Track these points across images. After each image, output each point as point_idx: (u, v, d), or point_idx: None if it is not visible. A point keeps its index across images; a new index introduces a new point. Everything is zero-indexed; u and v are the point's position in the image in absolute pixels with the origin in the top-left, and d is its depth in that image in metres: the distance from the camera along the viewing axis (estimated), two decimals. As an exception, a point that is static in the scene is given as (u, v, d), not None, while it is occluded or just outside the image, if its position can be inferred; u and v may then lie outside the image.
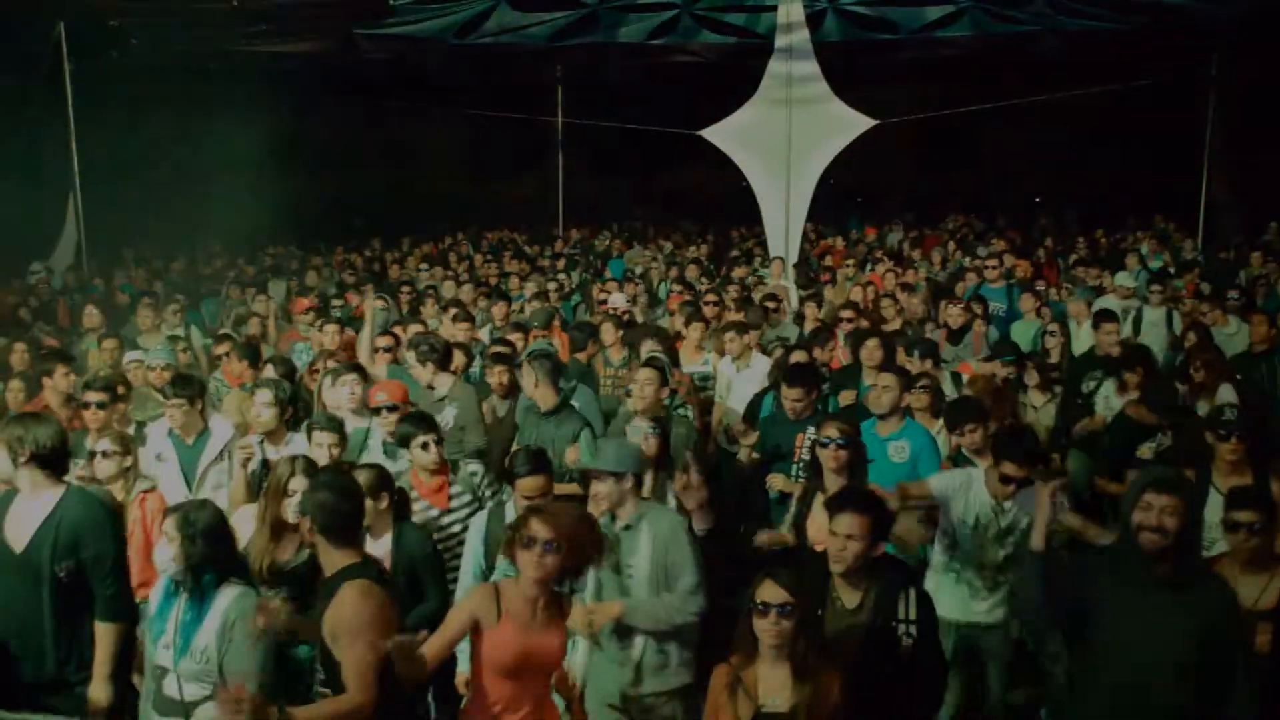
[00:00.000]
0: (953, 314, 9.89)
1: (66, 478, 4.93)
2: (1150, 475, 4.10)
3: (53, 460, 4.78)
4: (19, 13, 13.89)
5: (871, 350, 7.85)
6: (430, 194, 23.40)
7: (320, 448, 5.85)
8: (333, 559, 4.00)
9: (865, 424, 6.56)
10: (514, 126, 20.61)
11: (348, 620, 3.80)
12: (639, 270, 15.56)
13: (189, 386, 6.59)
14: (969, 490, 5.44)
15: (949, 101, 17.38)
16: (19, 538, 4.69)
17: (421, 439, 5.79)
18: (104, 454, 5.78)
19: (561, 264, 17.07)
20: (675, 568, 4.65)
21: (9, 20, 13.63)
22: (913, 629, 4.15)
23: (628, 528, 4.73)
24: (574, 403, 7.09)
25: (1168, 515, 3.88)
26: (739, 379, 8.53)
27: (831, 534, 4.20)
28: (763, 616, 3.74)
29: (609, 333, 9.10)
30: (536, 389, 6.90)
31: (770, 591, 3.76)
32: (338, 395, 6.88)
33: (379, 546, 5.11)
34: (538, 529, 3.88)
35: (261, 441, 6.23)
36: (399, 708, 3.98)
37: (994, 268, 12.11)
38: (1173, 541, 3.89)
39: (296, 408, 6.63)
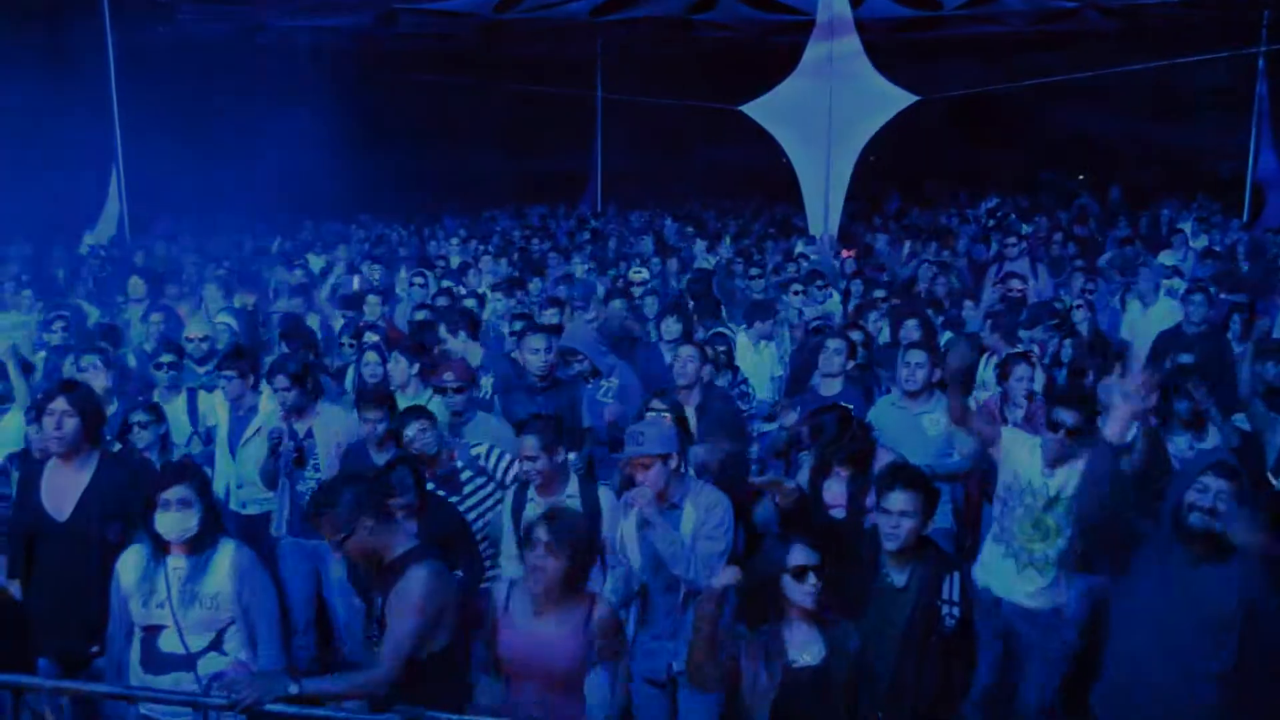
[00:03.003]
0: (1015, 285, 9.89)
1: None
2: (1211, 458, 4.10)
3: (96, 426, 4.87)
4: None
5: (910, 330, 7.80)
6: (468, 169, 23.43)
7: (369, 424, 5.88)
8: (398, 541, 4.07)
9: (893, 399, 6.57)
10: (552, 101, 20.59)
11: (412, 595, 3.86)
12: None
13: (242, 360, 6.67)
14: (1023, 451, 5.28)
15: (992, 77, 17.21)
16: (61, 506, 4.76)
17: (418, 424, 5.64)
18: (140, 425, 5.91)
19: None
20: (710, 528, 4.64)
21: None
22: (956, 610, 4.15)
23: (674, 507, 4.71)
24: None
25: (1221, 500, 3.91)
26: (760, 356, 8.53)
27: (884, 511, 4.20)
28: (800, 580, 3.77)
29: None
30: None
31: (802, 554, 3.79)
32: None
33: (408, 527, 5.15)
34: (540, 531, 3.93)
35: (287, 418, 6.20)
36: (443, 681, 4.02)
37: (1014, 245, 11.98)
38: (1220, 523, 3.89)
39: (317, 379, 6.60)
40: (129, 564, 4.26)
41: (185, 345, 7.45)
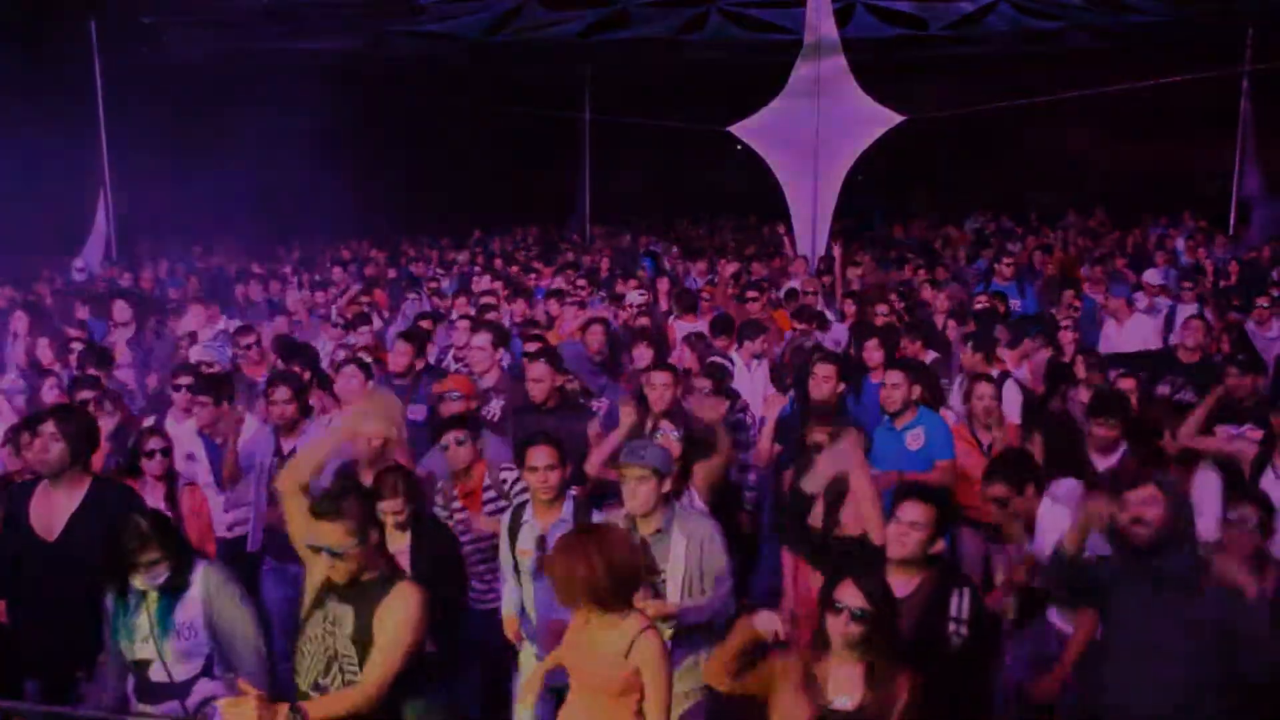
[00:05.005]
0: (981, 303, 9.93)
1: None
2: (1121, 480, 4.17)
3: (85, 451, 4.86)
4: (52, 10, 14.02)
5: (871, 351, 7.77)
6: (457, 190, 23.45)
7: (362, 443, 5.80)
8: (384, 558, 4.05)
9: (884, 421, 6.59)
10: (541, 123, 20.62)
11: (403, 616, 3.82)
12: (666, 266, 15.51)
13: (214, 387, 6.64)
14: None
15: (978, 97, 17.30)
16: (49, 528, 4.74)
17: (454, 435, 5.66)
18: (149, 453, 5.81)
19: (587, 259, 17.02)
20: (712, 571, 4.63)
21: (42, 17, 13.77)
22: (964, 629, 4.11)
23: (658, 532, 4.67)
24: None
25: (1148, 506, 3.96)
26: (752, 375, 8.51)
27: (895, 520, 4.21)
28: (835, 615, 3.68)
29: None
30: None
31: (848, 593, 3.68)
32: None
33: (399, 543, 5.12)
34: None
35: (276, 434, 6.22)
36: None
37: (1008, 264, 12.02)
38: (1161, 533, 3.96)
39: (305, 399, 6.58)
40: (113, 602, 4.26)
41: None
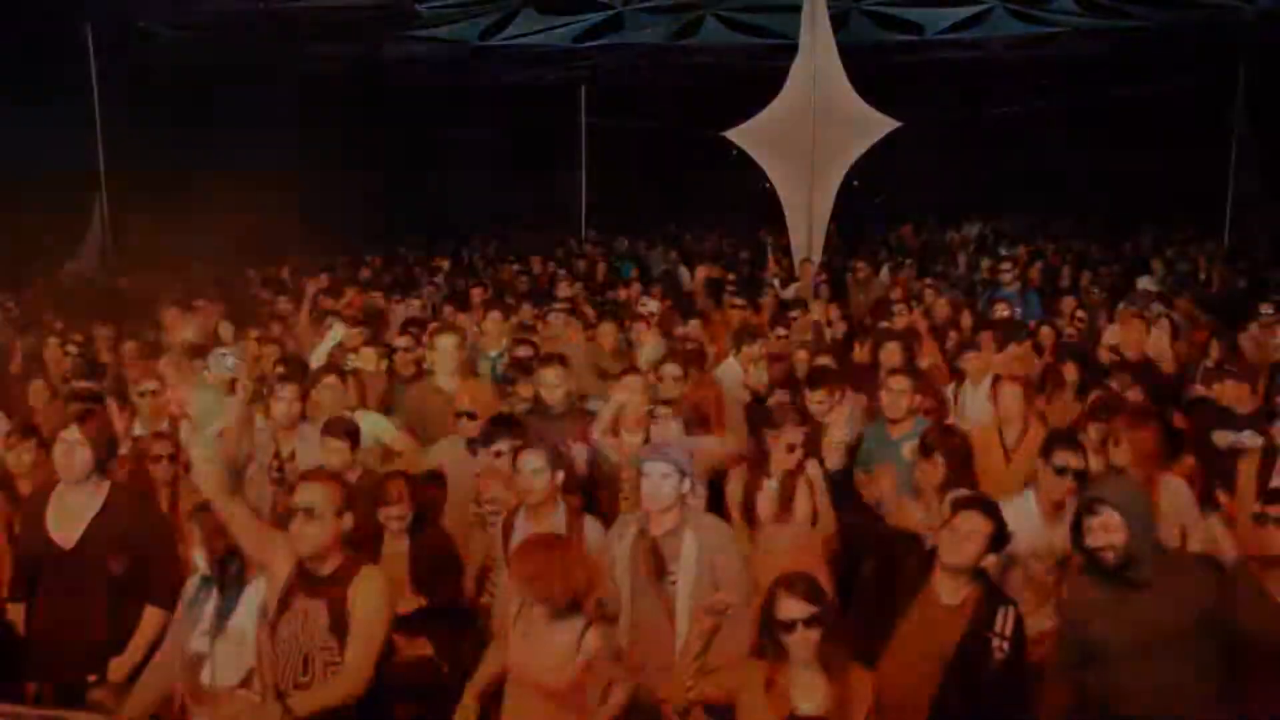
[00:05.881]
0: (998, 310, 9.93)
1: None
2: (1082, 500, 4.15)
3: (107, 457, 4.86)
4: (47, 12, 13.99)
5: (891, 352, 7.78)
6: (453, 197, 23.45)
7: (332, 453, 5.77)
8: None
9: (876, 427, 6.57)
10: (537, 128, 20.63)
11: (376, 604, 3.91)
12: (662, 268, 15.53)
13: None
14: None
15: (973, 103, 17.31)
16: (67, 535, 4.71)
17: (500, 445, 5.56)
18: (155, 459, 5.86)
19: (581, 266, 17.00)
20: (726, 583, 4.59)
21: (37, 20, 13.74)
22: (1006, 645, 4.11)
23: (669, 532, 4.67)
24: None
25: (1112, 531, 3.97)
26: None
27: (952, 529, 4.21)
28: (788, 632, 3.73)
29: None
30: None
31: (791, 607, 3.74)
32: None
33: (395, 546, 5.18)
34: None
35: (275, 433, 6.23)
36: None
37: (1008, 270, 12.02)
38: (1129, 550, 3.96)
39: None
40: (189, 585, 4.30)
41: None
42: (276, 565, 4.01)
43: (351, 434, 5.81)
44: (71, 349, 8.81)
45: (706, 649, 3.95)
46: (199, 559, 4.21)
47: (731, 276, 13.75)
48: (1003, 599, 4.27)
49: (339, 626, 3.88)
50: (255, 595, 4.18)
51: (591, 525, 5.09)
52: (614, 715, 4.03)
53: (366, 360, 7.90)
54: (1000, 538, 4.26)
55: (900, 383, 6.51)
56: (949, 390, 7.79)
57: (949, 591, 4.22)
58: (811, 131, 14.15)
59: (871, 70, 15.50)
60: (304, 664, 3.86)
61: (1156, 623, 3.94)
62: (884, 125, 14.24)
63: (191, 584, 4.30)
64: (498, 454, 5.51)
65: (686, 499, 4.77)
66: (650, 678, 4.53)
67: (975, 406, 7.48)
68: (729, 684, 3.91)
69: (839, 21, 15.57)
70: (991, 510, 4.28)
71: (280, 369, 7.22)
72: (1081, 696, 4.15)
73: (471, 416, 6.23)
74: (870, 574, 4.43)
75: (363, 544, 4.41)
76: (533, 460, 4.94)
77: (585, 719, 4.02)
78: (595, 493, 5.90)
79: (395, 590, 4.03)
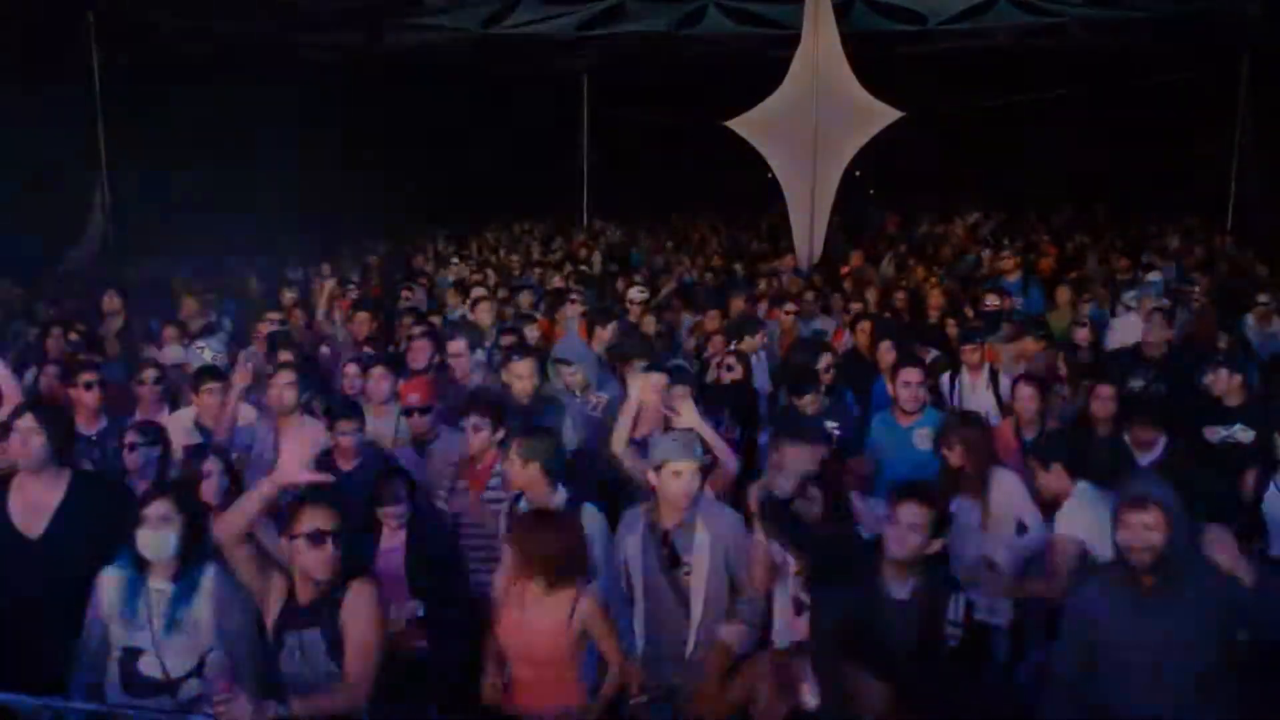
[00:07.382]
0: (991, 300, 9.88)
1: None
2: (1126, 494, 4.03)
3: (65, 444, 4.82)
4: (48, 2, 13.97)
5: (884, 352, 7.78)
6: (456, 185, 23.40)
7: (344, 436, 5.84)
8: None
9: (885, 415, 6.58)
10: (539, 117, 20.57)
11: (366, 611, 3.95)
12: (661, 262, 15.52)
13: (216, 377, 6.61)
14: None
15: (977, 93, 17.25)
16: (32, 524, 4.66)
17: (473, 420, 5.68)
18: (130, 446, 5.78)
19: (584, 255, 17.00)
20: (742, 565, 4.67)
21: (38, 10, 13.72)
22: (958, 632, 4.12)
23: (681, 525, 4.69)
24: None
25: (1151, 531, 3.85)
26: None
27: (894, 522, 4.20)
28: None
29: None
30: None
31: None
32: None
33: (393, 540, 5.20)
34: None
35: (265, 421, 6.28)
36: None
37: (1009, 258, 12.00)
38: (1163, 553, 3.86)
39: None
40: (110, 584, 4.20)
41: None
42: (270, 599, 4.04)
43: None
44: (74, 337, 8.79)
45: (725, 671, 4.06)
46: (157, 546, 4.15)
47: (736, 267, 13.77)
48: (951, 584, 4.27)
49: (336, 649, 3.91)
50: (208, 582, 4.19)
51: (589, 513, 5.09)
52: (613, 691, 4.20)
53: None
54: (942, 523, 4.26)
55: (913, 375, 6.54)
56: (944, 380, 7.80)
57: (897, 586, 4.21)
58: (814, 122, 14.13)
59: (874, 60, 15.44)
60: (310, 691, 3.89)
61: (1169, 635, 3.86)
62: (886, 115, 14.21)
63: (117, 576, 4.21)
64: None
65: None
66: (664, 669, 4.62)
67: (974, 398, 7.49)
68: (746, 681, 3.99)
69: (841, 11, 15.52)
70: (930, 497, 4.25)
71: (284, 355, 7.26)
72: (1080, 713, 4.08)
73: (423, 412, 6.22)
74: (821, 578, 4.42)
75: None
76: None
77: (581, 689, 4.25)
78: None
79: (393, 589, 4.01)
